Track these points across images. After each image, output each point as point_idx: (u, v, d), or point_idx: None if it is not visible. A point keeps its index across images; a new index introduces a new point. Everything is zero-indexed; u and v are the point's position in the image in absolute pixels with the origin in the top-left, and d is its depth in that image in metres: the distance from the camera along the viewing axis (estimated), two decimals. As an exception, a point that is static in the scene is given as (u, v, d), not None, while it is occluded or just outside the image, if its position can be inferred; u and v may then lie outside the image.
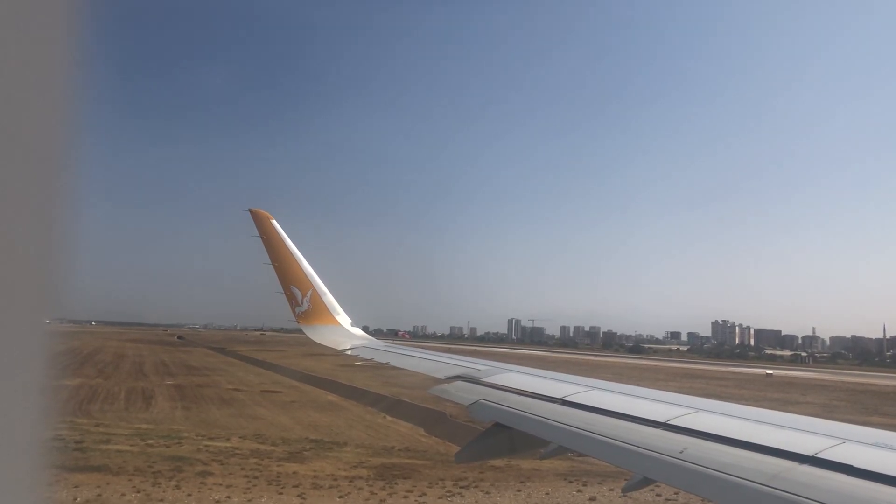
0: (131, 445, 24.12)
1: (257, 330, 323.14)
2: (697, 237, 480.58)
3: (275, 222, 12.68)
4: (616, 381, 5.86)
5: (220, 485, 19.20)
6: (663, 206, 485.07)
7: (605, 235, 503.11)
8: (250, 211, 12.60)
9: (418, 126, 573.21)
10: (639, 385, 5.91)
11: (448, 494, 19.28)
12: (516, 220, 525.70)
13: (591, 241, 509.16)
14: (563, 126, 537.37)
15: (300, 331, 12.50)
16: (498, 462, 21.53)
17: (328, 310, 12.54)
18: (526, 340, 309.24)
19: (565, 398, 5.12)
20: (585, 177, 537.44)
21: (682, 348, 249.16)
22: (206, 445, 24.76)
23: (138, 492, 18.08)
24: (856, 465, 2.92)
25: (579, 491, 20.15)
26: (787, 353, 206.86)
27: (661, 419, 4.01)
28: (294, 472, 21.16)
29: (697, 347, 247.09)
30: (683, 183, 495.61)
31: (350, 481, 20.42)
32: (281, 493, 18.64)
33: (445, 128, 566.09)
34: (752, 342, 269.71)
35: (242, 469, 21.24)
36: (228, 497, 17.99)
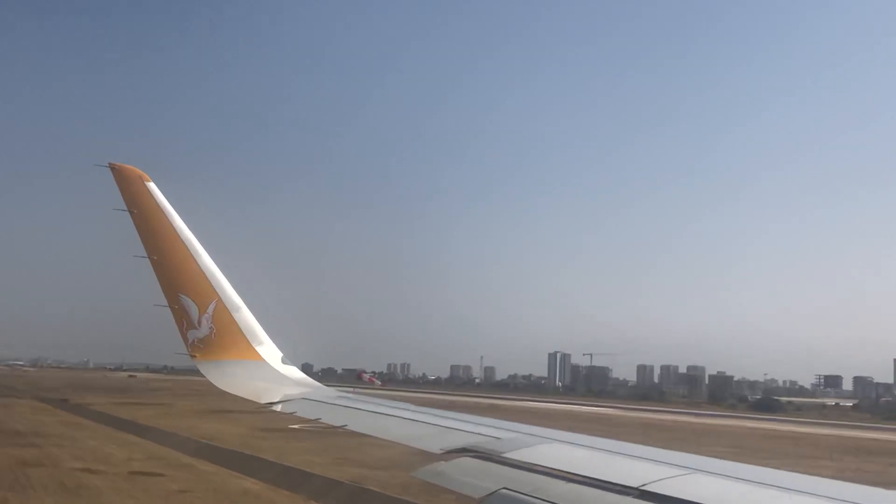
0: None
1: (123, 370, 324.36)
2: (864, 230, 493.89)
3: (153, 186, 12.68)
4: (733, 461, 5.87)
5: None
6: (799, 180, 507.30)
7: (711, 227, 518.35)
8: (111, 167, 12.57)
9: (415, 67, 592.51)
10: (772, 466, 5.94)
11: None
12: (560, 200, 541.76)
13: (688, 235, 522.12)
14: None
15: (196, 370, 12.55)
16: None
17: (244, 336, 12.59)
18: (580, 389, 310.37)
19: (644, 487, 5.19)
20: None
21: (842, 402, 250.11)
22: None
23: None
24: None
25: None
26: None
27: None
28: None
29: (870, 402, 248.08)
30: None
31: None
32: None
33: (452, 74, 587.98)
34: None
35: None
36: None
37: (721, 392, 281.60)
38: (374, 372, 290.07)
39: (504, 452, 6.39)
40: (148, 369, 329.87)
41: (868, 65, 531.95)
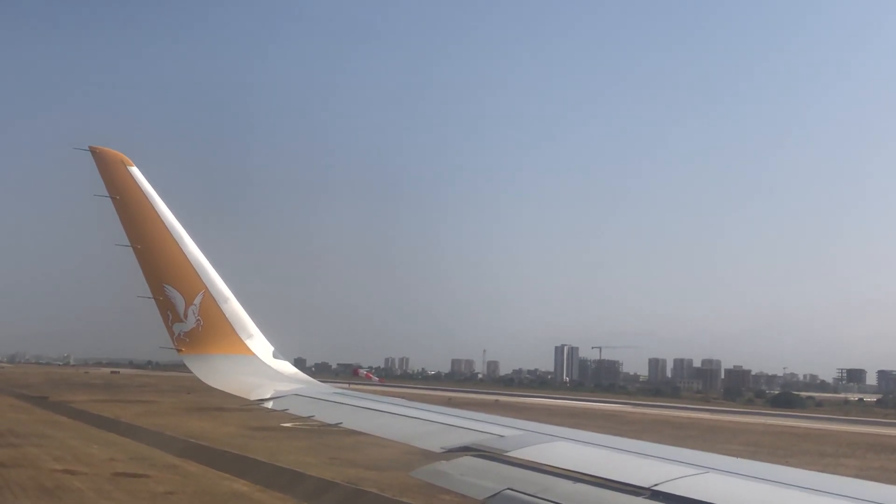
0: None
1: (105, 366, 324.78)
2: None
3: (135, 170, 12.68)
4: (749, 459, 5.90)
5: None
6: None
7: (727, 217, 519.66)
8: (92, 150, 12.57)
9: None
10: (791, 465, 5.98)
11: None
12: (569, 190, 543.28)
13: (703, 225, 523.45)
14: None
15: (182, 365, 12.59)
16: None
17: (233, 329, 12.62)
18: (589, 384, 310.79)
19: (656, 487, 5.21)
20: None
21: (866, 398, 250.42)
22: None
23: None
24: None
25: None
26: None
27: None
28: None
29: (895, 397, 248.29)
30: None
31: None
32: None
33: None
34: None
35: None
36: None
37: (737, 387, 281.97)
38: (371, 367, 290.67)
39: (508, 451, 6.41)
40: (132, 365, 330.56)
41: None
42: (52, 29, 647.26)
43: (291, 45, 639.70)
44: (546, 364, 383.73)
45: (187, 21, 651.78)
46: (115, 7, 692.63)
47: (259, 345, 12.82)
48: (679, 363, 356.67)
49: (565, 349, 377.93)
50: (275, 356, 12.84)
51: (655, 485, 5.27)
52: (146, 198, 12.54)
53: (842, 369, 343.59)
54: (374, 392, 12.01)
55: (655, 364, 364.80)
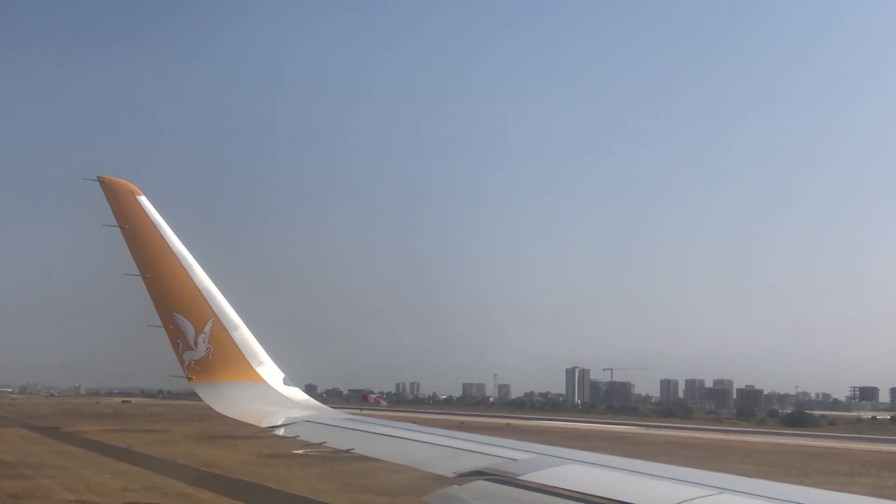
0: None
1: (117, 395, 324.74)
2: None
3: (144, 200, 12.73)
4: (764, 479, 5.85)
5: None
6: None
7: (737, 235, 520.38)
8: (100, 181, 12.63)
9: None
10: (806, 484, 5.93)
11: None
12: (577, 210, 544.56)
13: (712, 243, 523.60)
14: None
15: (194, 394, 12.57)
16: None
17: (243, 356, 12.61)
18: (600, 406, 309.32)
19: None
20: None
21: (879, 415, 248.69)
22: None
23: None
24: None
25: None
26: None
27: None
28: None
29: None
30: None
31: None
32: None
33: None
34: None
35: None
36: None
37: (750, 407, 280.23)
38: (381, 392, 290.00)
39: (521, 475, 6.37)
40: (143, 394, 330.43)
41: None
42: (58, 61, 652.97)
43: (302, 71, 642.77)
44: (557, 386, 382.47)
45: (201, 48, 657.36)
46: (120, 37, 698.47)
47: (270, 372, 12.80)
48: (691, 383, 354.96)
49: (576, 371, 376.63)
50: (285, 383, 12.82)
51: (671, 507, 5.23)
52: (155, 227, 12.57)
53: (854, 387, 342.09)
54: (384, 417, 11.99)
55: (667, 385, 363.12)
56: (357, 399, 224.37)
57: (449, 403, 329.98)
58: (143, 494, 48.39)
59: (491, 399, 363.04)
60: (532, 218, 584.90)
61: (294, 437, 10.75)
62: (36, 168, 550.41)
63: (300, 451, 56.79)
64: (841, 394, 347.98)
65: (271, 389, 12.62)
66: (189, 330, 12.57)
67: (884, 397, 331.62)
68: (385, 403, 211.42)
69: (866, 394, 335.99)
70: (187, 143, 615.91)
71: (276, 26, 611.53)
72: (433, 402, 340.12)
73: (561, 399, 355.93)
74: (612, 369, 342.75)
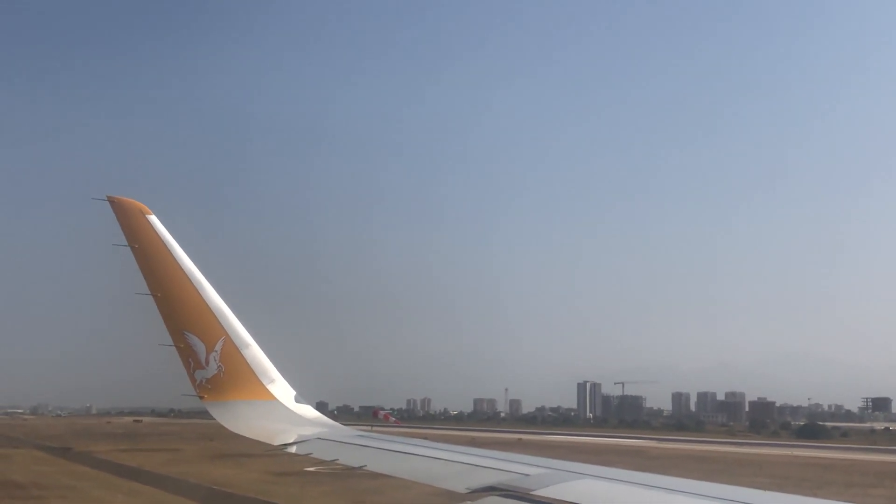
0: None
1: (127, 415, 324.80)
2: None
3: (154, 219, 12.76)
4: (776, 492, 5.81)
5: None
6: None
7: (748, 248, 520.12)
8: (110, 200, 12.67)
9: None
10: (819, 496, 5.88)
11: None
12: (587, 225, 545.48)
13: (723, 257, 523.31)
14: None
15: (205, 412, 12.55)
16: None
17: (255, 374, 12.61)
18: (612, 420, 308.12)
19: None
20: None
21: (892, 426, 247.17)
22: None
23: None
24: None
25: None
26: None
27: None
28: None
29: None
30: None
31: None
32: None
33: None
34: None
35: None
36: None
37: (762, 419, 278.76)
38: (392, 409, 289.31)
39: (534, 490, 6.34)
40: (154, 413, 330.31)
41: None
42: (66, 79, 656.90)
43: (304, 84, 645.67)
44: (569, 401, 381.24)
45: (209, 70, 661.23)
46: (128, 56, 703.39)
47: (281, 390, 12.79)
48: (703, 396, 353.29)
49: (588, 385, 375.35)
50: (297, 400, 12.80)
51: (685, 520, 5.20)
52: (165, 246, 12.60)
53: (867, 398, 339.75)
54: (395, 433, 11.92)
55: (679, 398, 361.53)
56: (368, 416, 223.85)
57: (460, 419, 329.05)
58: (156, 514, 48.37)
59: (502, 414, 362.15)
60: (543, 236, 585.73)
61: (306, 455, 10.72)
62: (46, 188, 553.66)
63: (312, 469, 56.60)
64: (854, 405, 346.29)
65: (283, 407, 12.61)
66: (200, 348, 12.58)
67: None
68: (394, 420, 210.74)
69: (879, 405, 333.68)
70: (197, 159, 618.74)
71: (282, 33, 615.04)
72: (444, 418, 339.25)
73: (572, 413, 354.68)
74: (623, 383, 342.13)
